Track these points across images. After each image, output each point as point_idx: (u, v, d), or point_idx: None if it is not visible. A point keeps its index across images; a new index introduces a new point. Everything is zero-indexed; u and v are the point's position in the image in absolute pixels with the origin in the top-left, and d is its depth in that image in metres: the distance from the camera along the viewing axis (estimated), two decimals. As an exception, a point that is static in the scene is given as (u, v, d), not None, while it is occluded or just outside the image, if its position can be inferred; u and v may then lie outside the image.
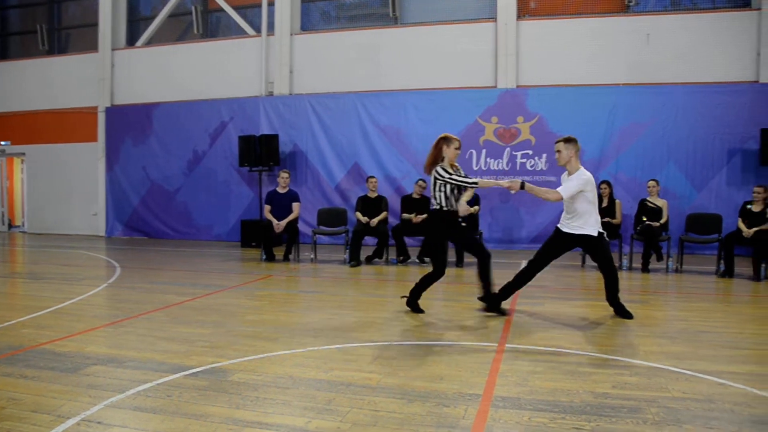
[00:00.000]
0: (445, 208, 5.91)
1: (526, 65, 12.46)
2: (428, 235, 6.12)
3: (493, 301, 6.13)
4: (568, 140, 5.94)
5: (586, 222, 5.86)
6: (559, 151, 5.96)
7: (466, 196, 6.09)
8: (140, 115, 14.62)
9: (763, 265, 8.51)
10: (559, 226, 6.10)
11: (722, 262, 8.80)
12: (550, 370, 4.21)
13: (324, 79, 13.53)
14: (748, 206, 8.85)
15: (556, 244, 6.08)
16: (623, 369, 4.25)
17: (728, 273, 8.64)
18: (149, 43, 15.05)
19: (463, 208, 6.04)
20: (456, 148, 5.96)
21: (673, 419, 3.31)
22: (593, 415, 3.36)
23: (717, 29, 11.63)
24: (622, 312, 5.96)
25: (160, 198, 14.51)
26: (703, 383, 3.93)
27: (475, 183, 5.89)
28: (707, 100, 11.36)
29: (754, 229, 8.51)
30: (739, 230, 8.69)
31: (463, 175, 5.97)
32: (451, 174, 5.84)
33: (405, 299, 6.30)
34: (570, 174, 5.96)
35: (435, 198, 5.96)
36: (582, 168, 5.94)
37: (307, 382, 3.92)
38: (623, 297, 6.11)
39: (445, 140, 5.96)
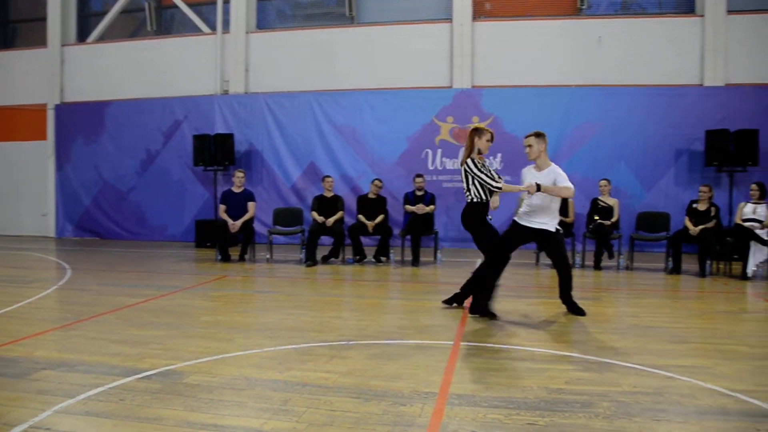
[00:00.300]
0: (484, 201, 5.88)
1: (482, 66, 12.60)
2: (471, 229, 5.97)
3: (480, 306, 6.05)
4: (538, 135, 6.06)
5: (548, 216, 5.97)
6: (530, 146, 6.04)
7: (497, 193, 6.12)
8: (92, 113, 14.27)
9: (708, 262, 8.80)
10: (516, 219, 6.18)
11: (670, 259, 9.05)
12: (505, 366, 4.28)
13: (280, 78, 13.44)
14: (695, 205, 9.15)
15: (514, 238, 6.16)
16: (576, 364, 4.34)
17: (676, 270, 8.90)
18: (101, 39, 14.71)
19: (494, 200, 6.04)
20: (488, 140, 5.94)
21: (623, 413, 3.39)
22: (547, 411, 3.42)
23: (664, 34, 12.00)
24: (574, 309, 6.07)
25: (112, 198, 14.20)
26: (652, 377, 4.04)
27: (499, 188, 5.84)
28: (656, 102, 11.68)
29: (700, 227, 8.79)
30: (686, 228, 8.96)
31: (491, 173, 5.91)
32: (480, 171, 5.80)
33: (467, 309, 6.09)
34: (540, 169, 6.03)
35: (469, 191, 5.90)
36: (552, 163, 6.08)
37: (262, 383, 3.89)
38: (576, 294, 6.23)
39: (477, 132, 5.92)
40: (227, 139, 12.66)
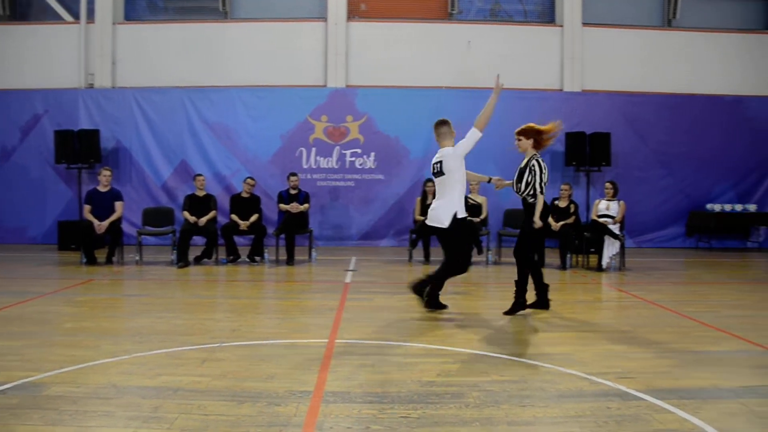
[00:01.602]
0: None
1: (356, 65, 12.75)
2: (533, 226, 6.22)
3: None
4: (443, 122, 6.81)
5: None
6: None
7: None
8: (-67, 105, 13.04)
9: (569, 256, 9.40)
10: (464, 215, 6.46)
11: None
12: (379, 362, 4.35)
13: (149, 73, 12.88)
14: (556, 202, 9.72)
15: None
16: (447, 357, 4.50)
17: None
18: (-57, 23, 13.47)
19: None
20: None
21: (492, 401, 3.56)
22: (420, 403, 3.52)
23: (528, 41, 12.79)
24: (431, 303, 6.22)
25: (-41, 198, 13.04)
26: (518, 366, 4.28)
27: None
28: (520, 105, 12.24)
29: (561, 223, 9.36)
30: (548, 224, 9.50)
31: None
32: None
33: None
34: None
35: (538, 188, 6.44)
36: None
37: (131, 390, 3.74)
38: (447, 288, 6.43)
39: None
40: (92, 135, 11.98)
